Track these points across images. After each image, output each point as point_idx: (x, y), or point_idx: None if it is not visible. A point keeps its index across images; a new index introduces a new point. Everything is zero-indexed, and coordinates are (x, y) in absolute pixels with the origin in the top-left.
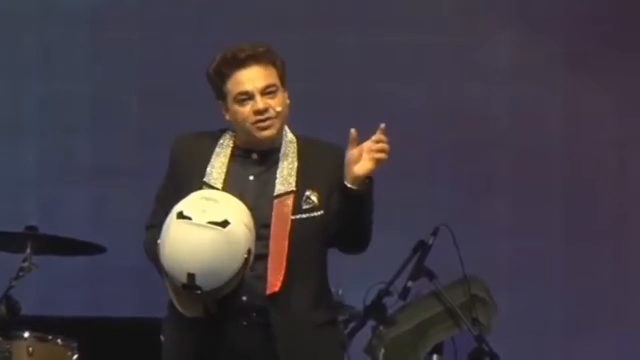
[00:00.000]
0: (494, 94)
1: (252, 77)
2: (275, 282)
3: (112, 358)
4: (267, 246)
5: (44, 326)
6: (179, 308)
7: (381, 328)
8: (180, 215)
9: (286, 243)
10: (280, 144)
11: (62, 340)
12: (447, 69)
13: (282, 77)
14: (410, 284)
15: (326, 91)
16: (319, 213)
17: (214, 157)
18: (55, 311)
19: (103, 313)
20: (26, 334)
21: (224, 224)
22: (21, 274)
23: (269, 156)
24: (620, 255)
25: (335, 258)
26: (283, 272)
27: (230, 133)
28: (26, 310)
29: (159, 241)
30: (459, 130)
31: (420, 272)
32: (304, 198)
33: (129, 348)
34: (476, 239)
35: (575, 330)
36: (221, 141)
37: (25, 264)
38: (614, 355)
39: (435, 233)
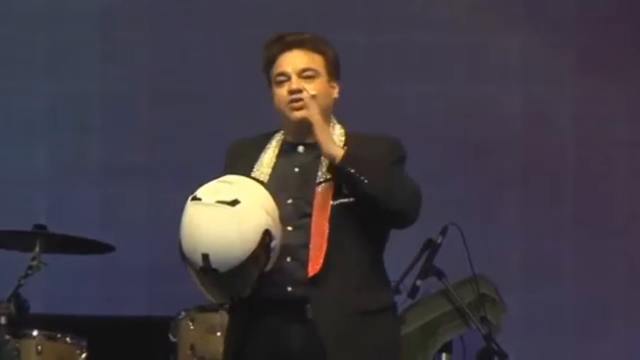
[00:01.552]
0: (505, 93)
1: (290, 60)
2: (315, 265)
3: (121, 356)
4: (309, 235)
5: (52, 324)
6: (206, 295)
7: None
8: (193, 198)
9: (326, 227)
10: None
11: (71, 339)
12: (458, 69)
13: (330, 68)
14: (418, 282)
15: None
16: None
17: (262, 154)
18: (64, 309)
19: (111, 311)
20: (35, 332)
21: (233, 202)
22: (30, 272)
23: (315, 148)
24: (630, 255)
25: None
26: (323, 255)
27: (281, 131)
28: (35, 308)
29: None
30: (470, 129)
31: (429, 270)
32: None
33: (137, 346)
34: (486, 237)
35: (584, 330)
36: (271, 139)
37: (34, 263)
38: (624, 355)
39: (443, 232)
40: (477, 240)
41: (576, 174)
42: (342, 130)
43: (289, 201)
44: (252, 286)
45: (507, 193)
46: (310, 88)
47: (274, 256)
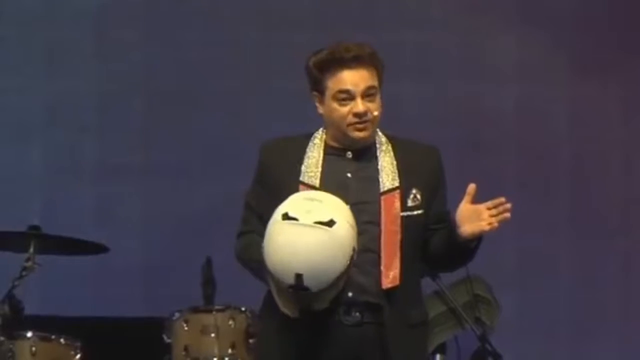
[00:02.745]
0: (499, 93)
1: (355, 78)
2: (393, 276)
3: (115, 357)
4: (373, 241)
5: (46, 325)
6: (283, 308)
7: None
8: (286, 216)
9: (398, 238)
10: (373, 142)
11: (65, 340)
12: (452, 68)
13: (381, 81)
14: None
15: None
16: (420, 212)
17: (306, 156)
18: (58, 311)
19: (106, 312)
20: (29, 334)
21: (330, 223)
22: (24, 273)
23: (363, 154)
24: (625, 254)
25: None
26: (398, 266)
27: (319, 133)
28: (29, 309)
29: (262, 244)
30: (464, 129)
31: (423, 271)
32: (410, 195)
33: (131, 347)
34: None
35: (579, 330)
36: (311, 141)
37: (28, 264)
38: (620, 355)
39: None
40: None
41: (571, 173)
42: (386, 138)
43: (348, 206)
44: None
45: (502, 193)
46: (373, 108)
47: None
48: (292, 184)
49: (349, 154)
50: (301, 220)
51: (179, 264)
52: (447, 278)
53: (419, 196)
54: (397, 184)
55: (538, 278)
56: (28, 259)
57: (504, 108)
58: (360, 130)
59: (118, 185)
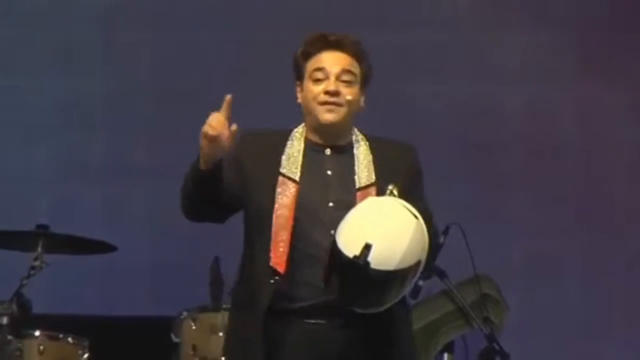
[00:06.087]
0: (508, 93)
1: (332, 59)
2: None
3: (123, 356)
4: None
5: (54, 324)
6: (339, 294)
7: None
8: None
9: None
10: (350, 140)
11: (73, 339)
12: (462, 68)
13: (364, 77)
14: (420, 282)
15: None
16: None
17: (287, 149)
18: (66, 310)
19: (114, 311)
20: (37, 333)
21: (416, 216)
22: (32, 272)
23: (341, 151)
24: (633, 255)
25: None
26: None
27: (300, 128)
28: (37, 308)
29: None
30: (473, 129)
31: (431, 270)
32: (387, 191)
33: (139, 346)
34: (489, 237)
35: (588, 330)
36: (292, 135)
37: (36, 263)
38: (627, 355)
39: (446, 231)
40: (480, 240)
41: (579, 174)
42: (362, 136)
43: (330, 204)
44: (381, 306)
45: (510, 193)
46: (346, 92)
47: (401, 293)
48: (270, 176)
49: (328, 151)
50: (391, 199)
51: (187, 263)
52: (455, 277)
53: (395, 192)
54: (373, 179)
55: (546, 278)
56: (36, 258)
57: (512, 108)
58: (329, 111)
59: (126, 185)
